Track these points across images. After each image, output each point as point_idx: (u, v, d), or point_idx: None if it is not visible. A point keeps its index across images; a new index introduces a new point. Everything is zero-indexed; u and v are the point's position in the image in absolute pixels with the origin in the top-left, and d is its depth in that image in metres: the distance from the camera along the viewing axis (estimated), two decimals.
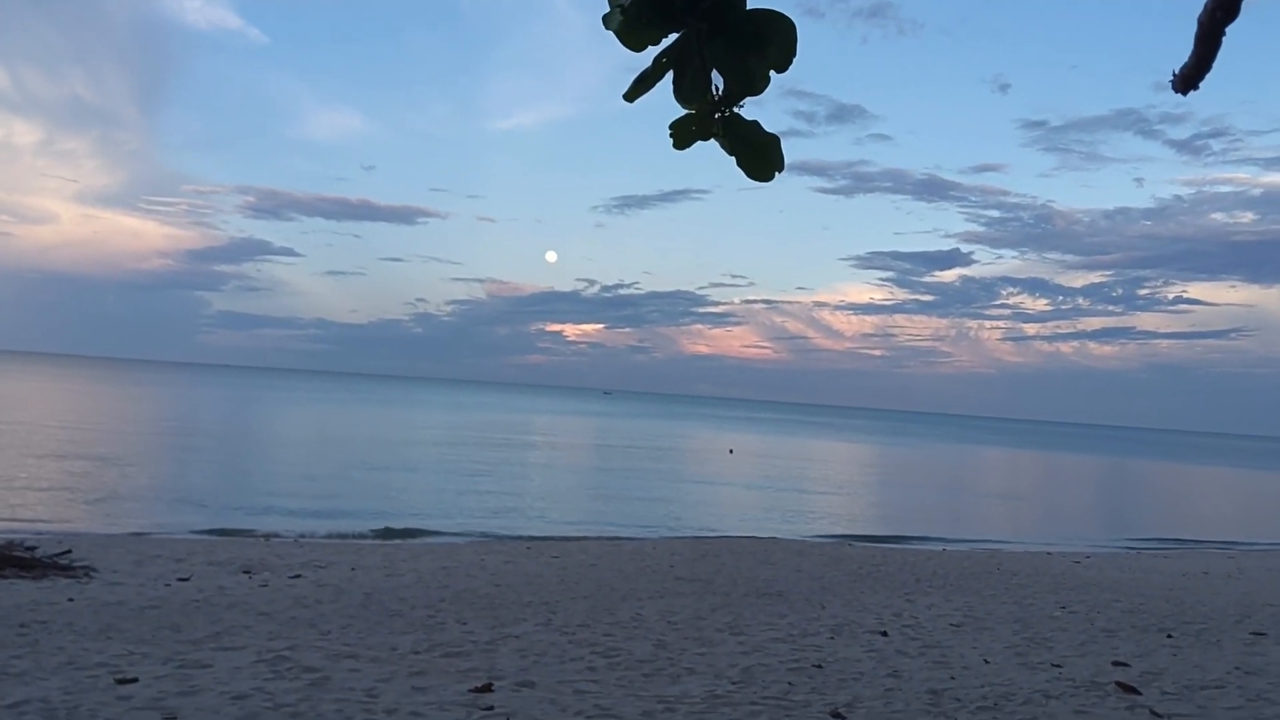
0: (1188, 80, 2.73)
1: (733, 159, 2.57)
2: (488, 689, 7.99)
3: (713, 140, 2.55)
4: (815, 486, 40.78)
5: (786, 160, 2.58)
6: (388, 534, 21.65)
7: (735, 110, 2.50)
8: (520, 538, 21.86)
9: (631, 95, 2.50)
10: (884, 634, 11.39)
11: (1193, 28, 2.67)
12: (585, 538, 22.45)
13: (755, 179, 2.60)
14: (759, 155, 2.56)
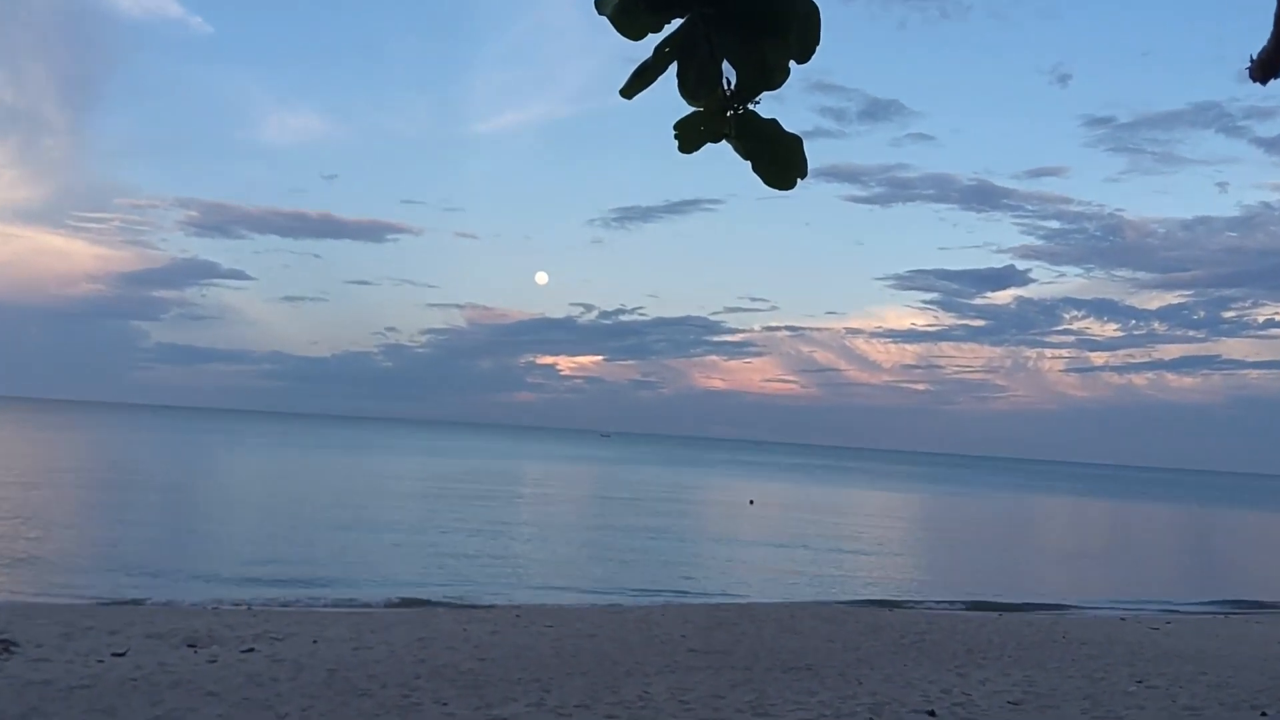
0: (1268, 66, 2.71)
1: (748, 164, 2.58)
2: None
3: (725, 142, 2.56)
4: (849, 543, 40.54)
5: (811, 165, 2.60)
6: (355, 601, 21.53)
7: (750, 107, 2.51)
8: (508, 605, 21.74)
9: (630, 91, 2.52)
10: (931, 714, 11.29)
11: (1271, 5, 2.64)
12: (583, 605, 22.31)
13: (775, 186, 2.62)
14: (779, 159, 2.57)
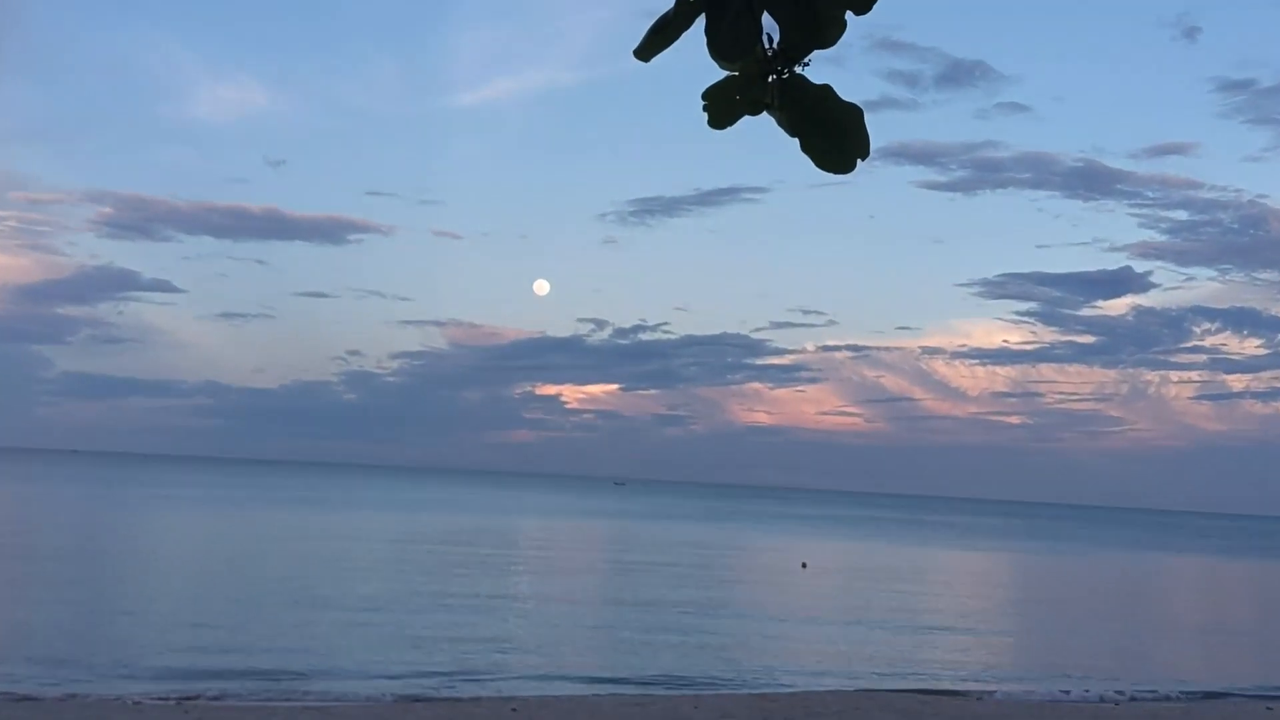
0: None
1: (796, 141, 2.56)
2: None
3: (767, 115, 2.54)
4: (927, 617, 40.26)
5: (876, 143, 2.58)
6: (310, 695, 21.49)
7: (798, 70, 2.50)
8: (501, 698, 21.66)
9: (646, 52, 2.50)
10: None
11: None
12: (596, 696, 22.21)
13: (830, 169, 2.60)
14: (834, 135, 2.55)
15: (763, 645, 31.47)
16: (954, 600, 47.89)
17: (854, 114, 2.54)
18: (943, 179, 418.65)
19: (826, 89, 2.51)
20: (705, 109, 2.54)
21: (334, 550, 57.52)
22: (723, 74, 2.52)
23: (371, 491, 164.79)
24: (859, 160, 2.58)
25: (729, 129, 2.59)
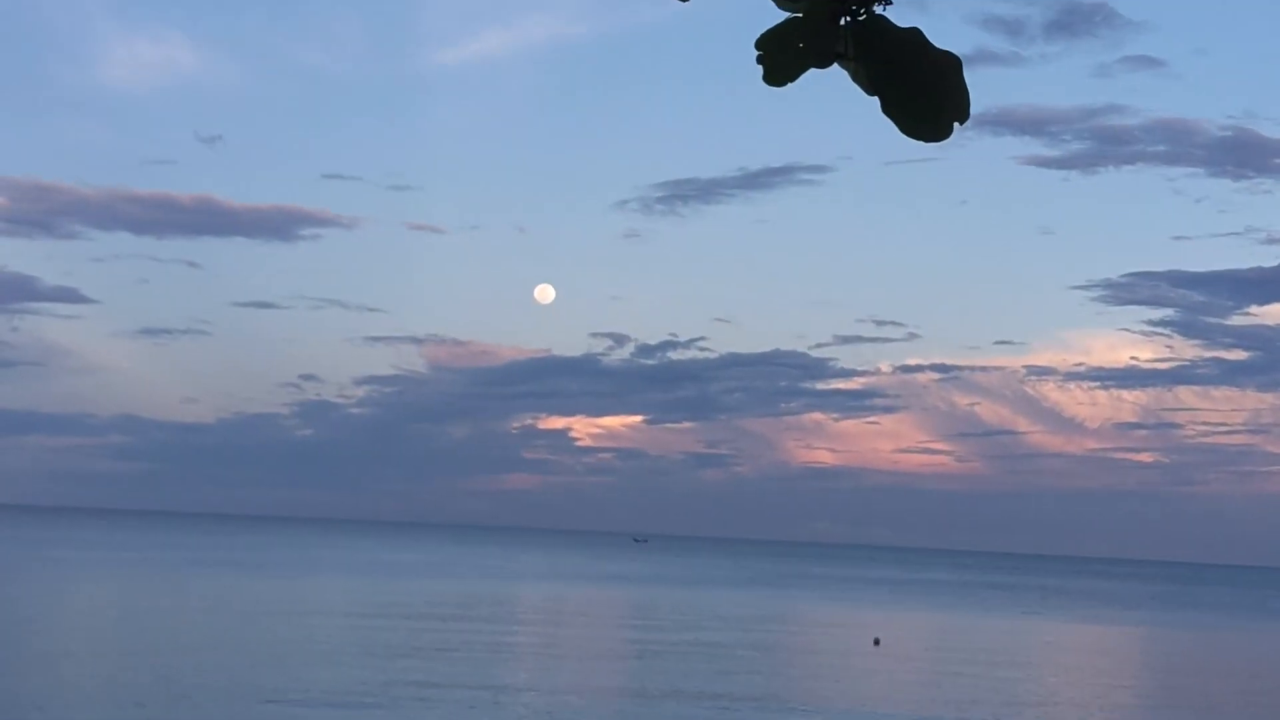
0: None
1: (874, 102, 2.55)
2: None
3: (837, 66, 2.53)
4: (1034, 712, 40.07)
5: (974, 105, 2.56)
6: None
7: (878, 10, 2.48)
8: None
9: None
10: None
11: None
12: None
13: (919, 136, 2.61)
14: (923, 91, 2.54)
15: None
16: (1070, 690, 47.61)
17: (950, 65, 2.52)
18: (1053, 153, 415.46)
19: (915, 33, 2.49)
20: (760, 61, 2.52)
21: (285, 629, 57.23)
22: (782, 15, 2.49)
23: (332, 552, 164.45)
24: (956, 124, 2.56)
25: (788, 87, 2.57)
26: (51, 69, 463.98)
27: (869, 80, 2.51)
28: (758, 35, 2.51)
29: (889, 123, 2.59)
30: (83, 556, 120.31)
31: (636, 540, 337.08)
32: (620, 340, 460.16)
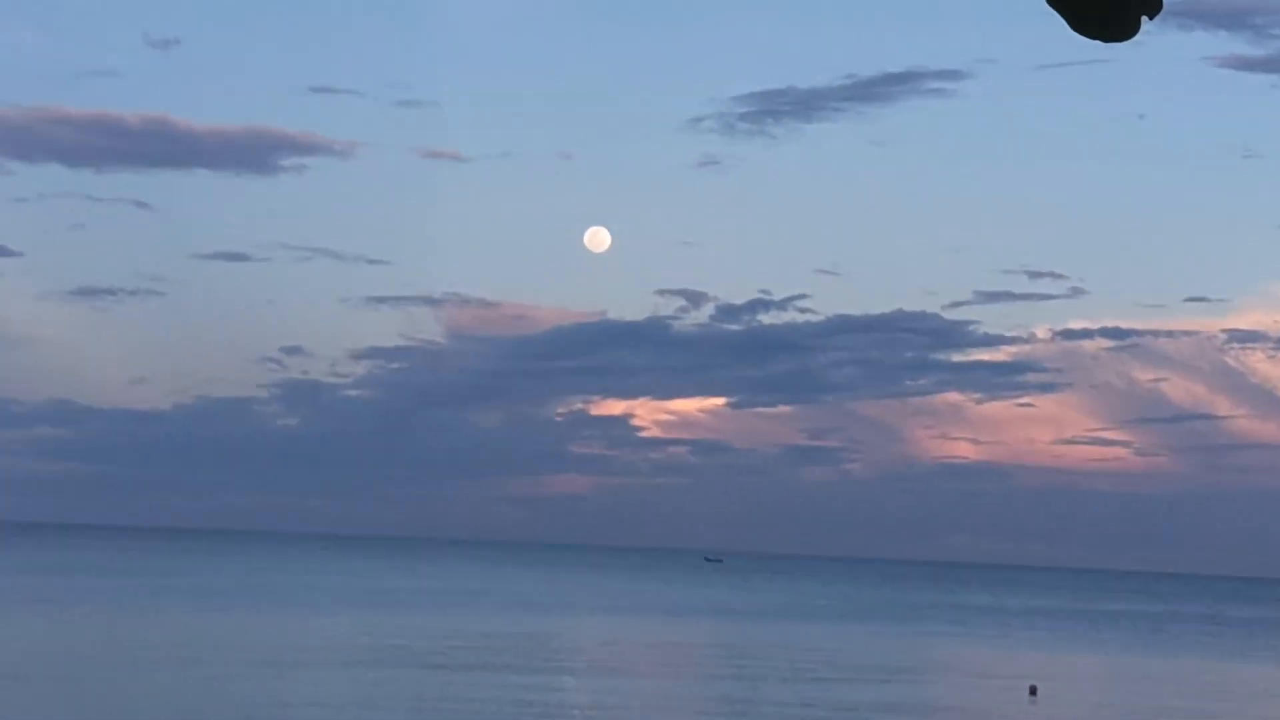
0: None
1: None
2: None
3: None
4: None
5: None
6: None
7: None
8: None
9: None
10: None
11: None
12: None
13: (1093, 34, 2.45)
14: None
15: None
16: None
17: None
18: (1259, 53, 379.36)
19: None
20: None
21: (263, 676, 54.24)
22: None
23: (324, 578, 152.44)
24: (1146, 17, 2.44)
25: None
26: None
27: None
28: None
29: (1047, 15, 2.51)
30: (9, 583, 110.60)
31: (708, 559, 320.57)
32: (695, 300, 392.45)
